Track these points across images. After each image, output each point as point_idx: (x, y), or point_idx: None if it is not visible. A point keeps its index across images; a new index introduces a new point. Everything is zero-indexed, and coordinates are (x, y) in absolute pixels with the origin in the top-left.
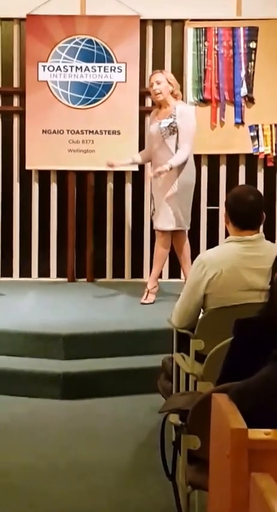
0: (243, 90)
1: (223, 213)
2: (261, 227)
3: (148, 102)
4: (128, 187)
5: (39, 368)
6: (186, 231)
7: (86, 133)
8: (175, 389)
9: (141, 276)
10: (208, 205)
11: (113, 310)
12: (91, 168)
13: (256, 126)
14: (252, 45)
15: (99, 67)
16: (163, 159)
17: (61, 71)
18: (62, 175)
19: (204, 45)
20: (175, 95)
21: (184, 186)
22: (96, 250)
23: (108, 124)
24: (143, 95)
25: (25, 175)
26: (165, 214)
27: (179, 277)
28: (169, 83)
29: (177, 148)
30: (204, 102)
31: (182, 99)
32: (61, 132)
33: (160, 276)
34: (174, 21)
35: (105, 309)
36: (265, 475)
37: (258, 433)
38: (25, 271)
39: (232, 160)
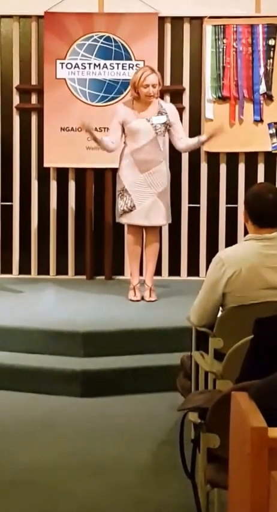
0: (262, 88)
1: (242, 211)
2: None
3: (167, 99)
4: None
5: (58, 366)
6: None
7: (105, 130)
8: (194, 388)
9: (160, 274)
10: (226, 203)
11: (132, 308)
12: (109, 166)
13: (276, 123)
14: (271, 42)
15: (118, 64)
16: (153, 154)
17: (79, 68)
18: (80, 173)
19: (223, 43)
20: (157, 94)
21: (169, 180)
22: (115, 248)
23: None
24: (162, 92)
25: (43, 173)
26: (159, 210)
27: (198, 275)
28: (159, 84)
29: (163, 144)
30: (222, 99)
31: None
32: (79, 129)
33: (178, 274)
34: (192, 19)
35: (124, 306)
36: None
37: None
38: (43, 269)
39: (251, 158)
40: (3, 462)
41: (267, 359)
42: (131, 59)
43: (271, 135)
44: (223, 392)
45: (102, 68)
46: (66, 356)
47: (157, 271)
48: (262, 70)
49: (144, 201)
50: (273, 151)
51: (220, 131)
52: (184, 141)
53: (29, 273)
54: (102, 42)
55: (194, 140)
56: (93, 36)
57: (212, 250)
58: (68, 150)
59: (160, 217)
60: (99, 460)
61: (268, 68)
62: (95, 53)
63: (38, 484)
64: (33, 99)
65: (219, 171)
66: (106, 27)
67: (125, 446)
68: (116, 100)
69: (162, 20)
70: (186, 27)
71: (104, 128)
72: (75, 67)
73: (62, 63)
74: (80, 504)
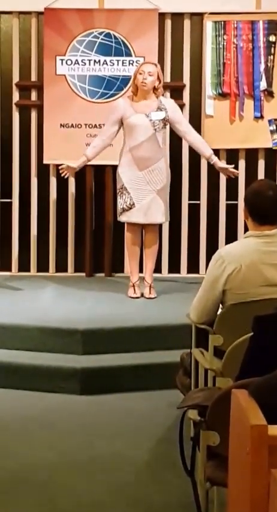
0: (263, 84)
1: (242, 208)
2: None
3: (167, 96)
4: None
5: (57, 363)
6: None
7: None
8: (194, 385)
9: (159, 271)
10: (226, 200)
11: (131, 305)
12: (109, 163)
13: (276, 120)
14: (272, 38)
15: (118, 61)
16: (152, 151)
17: (79, 64)
18: (80, 169)
19: (223, 39)
20: (159, 92)
21: (169, 177)
22: (114, 245)
23: None
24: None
25: (43, 169)
26: (158, 208)
27: (198, 272)
28: (158, 78)
29: (163, 141)
30: (223, 96)
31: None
32: (79, 126)
33: (178, 271)
34: (192, 15)
35: (123, 303)
36: None
37: None
38: (42, 266)
39: (251, 154)
40: (1, 460)
41: (266, 356)
42: (131, 56)
43: (272, 132)
44: (223, 389)
45: (102, 65)
46: (66, 353)
47: (157, 269)
48: (262, 66)
49: (143, 198)
50: (274, 148)
51: (231, 173)
52: (192, 136)
53: (28, 270)
54: (102, 39)
55: (206, 152)
56: (93, 32)
57: (212, 247)
58: (68, 147)
59: (159, 214)
60: (98, 457)
61: (268, 64)
62: (94, 49)
63: (37, 482)
64: (33, 95)
65: None
66: (106, 24)
67: (124, 444)
68: (116, 96)
69: (162, 16)
70: (187, 23)
71: (104, 125)
72: (75, 63)
73: (62, 60)
74: (78, 502)
